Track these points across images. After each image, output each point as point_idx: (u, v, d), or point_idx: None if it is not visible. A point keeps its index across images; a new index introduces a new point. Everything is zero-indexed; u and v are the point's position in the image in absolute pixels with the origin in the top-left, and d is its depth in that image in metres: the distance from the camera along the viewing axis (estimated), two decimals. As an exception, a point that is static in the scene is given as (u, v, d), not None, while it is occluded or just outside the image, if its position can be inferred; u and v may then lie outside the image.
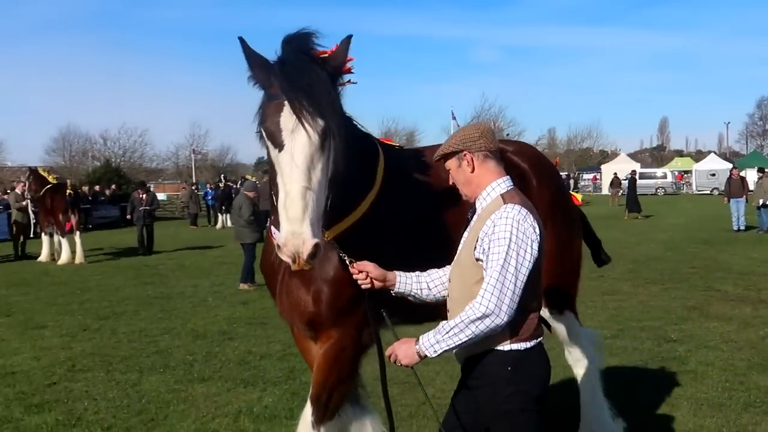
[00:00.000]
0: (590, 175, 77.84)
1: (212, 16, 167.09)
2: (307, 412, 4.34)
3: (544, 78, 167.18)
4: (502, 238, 3.48)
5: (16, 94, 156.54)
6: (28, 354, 9.98)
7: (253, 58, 3.78)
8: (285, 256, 3.50)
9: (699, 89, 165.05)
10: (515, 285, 3.46)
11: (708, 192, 68.08)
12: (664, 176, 74.14)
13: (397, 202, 4.34)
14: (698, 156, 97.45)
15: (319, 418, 4.26)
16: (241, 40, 3.78)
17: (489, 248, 3.50)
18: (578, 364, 5.89)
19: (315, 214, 3.51)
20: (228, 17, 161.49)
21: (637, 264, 17.89)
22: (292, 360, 8.89)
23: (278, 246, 3.52)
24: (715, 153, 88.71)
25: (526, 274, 3.50)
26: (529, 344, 3.64)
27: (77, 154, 74.89)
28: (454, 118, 75.29)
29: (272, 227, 4.17)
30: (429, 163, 4.72)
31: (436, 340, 3.49)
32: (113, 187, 45.24)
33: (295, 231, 3.46)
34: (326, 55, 3.86)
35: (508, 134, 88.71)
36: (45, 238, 22.97)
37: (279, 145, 3.60)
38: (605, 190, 56.59)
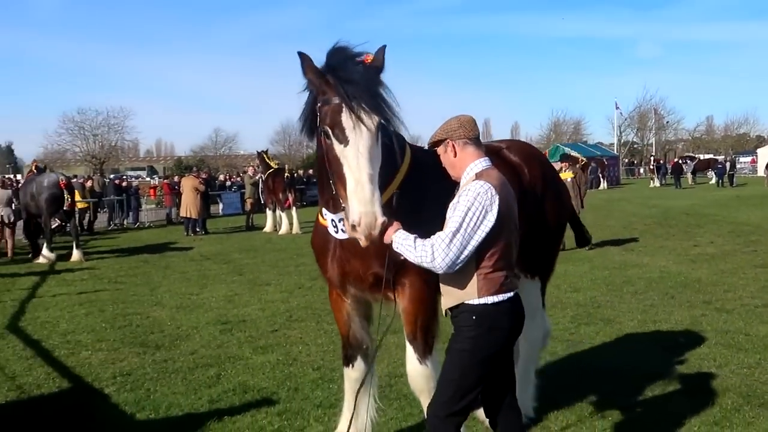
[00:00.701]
0: (747, 159, 72.95)
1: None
2: (410, 352, 4.46)
3: (704, 69, 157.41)
4: (462, 206, 3.66)
5: (246, 95, 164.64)
6: (256, 306, 10.46)
7: (310, 67, 3.90)
8: (359, 233, 3.66)
9: None
10: (463, 246, 3.63)
11: None
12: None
13: (420, 181, 4.40)
14: None
15: (422, 353, 4.40)
16: (301, 54, 3.92)
17: (452, 214, 3.70)
18: (528, 337, 5.52)
19: (379, 197, 3.69)
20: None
21: (790, 240, 16.66)
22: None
23: (352, 225, 3.66)
24: None
25: (478, 239, 3.66)
26: (494, 299, 3.75)
27: (294, 143, 77.64)
28: (617, 108, 72.78)
29: (324, 209, 4.38)
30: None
31: (399, 242, 3.74)
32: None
33: (367, 211, 3.63)
34: (369, 60, 3.92)
35: (667, 122, 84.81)
36: (269, 213, 24.08)
37: (344, 141, 3.74)
38: (761, 172, 53.22)
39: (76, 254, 17.05)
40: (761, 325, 8.36)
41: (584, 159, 52.40)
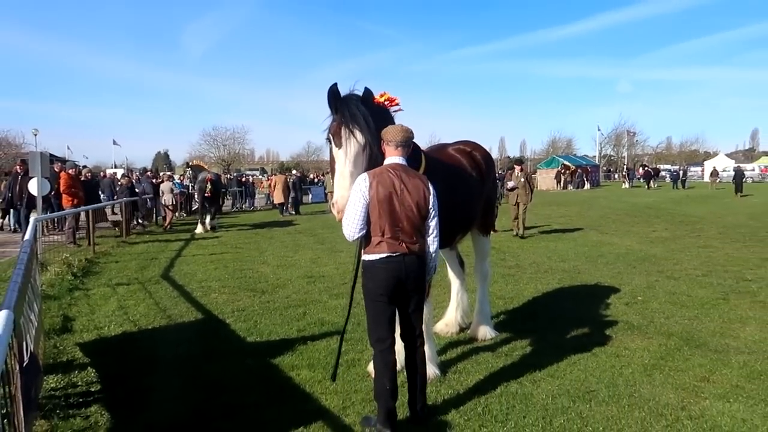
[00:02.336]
0: (697, 168, 70.81)
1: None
2: None
3: (665, 102, 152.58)
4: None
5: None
6: (332, 266, 10.49)
7: (331, 94, 4.10)
8: (335, 210, 3.95)
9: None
10: (352, 218, 3.77)
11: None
12: (753, 169, 66.65)
13: (433, 175, 4.40)
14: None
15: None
16: (330, 87, 4.10)
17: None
18: (479, 276, 6.03)
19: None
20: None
21: (725, 228, 16.01)
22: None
23: (332, 204, 3.98)
24: (793, 154, 78.20)
25: (359, 212, 3.75)
26: (373, 257, 3.78)
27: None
28: (599, 130, 71.28)
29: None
30: (445, 154, 5.44)
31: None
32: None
33: (343, 195, 3.91)
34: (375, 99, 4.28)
35: (637, 140, 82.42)
36: None
37: (339, 145, 4.04)
38: (706, 178, 51.74)
39: (200, 227, 17.41)
40: (700, 289, 8.10)
41: (573, 166, 51.26)
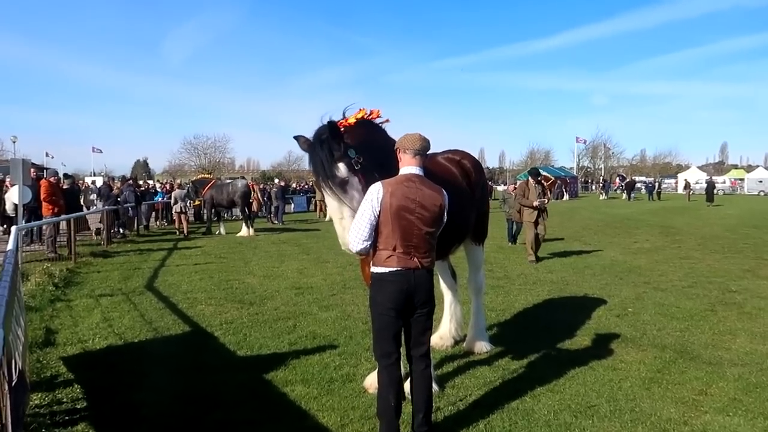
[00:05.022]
0: (671, 180, 72.00)
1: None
2: None
3: (640, 114, 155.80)
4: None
5: (311, 126, 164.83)
6: (320, 277, 10.35)
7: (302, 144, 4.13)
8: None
9: (751, 122, 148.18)
10: (358, 230, 3.61)
11: (756, 194, 61.60)
12: (724, 182, 68.29)
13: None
14: (749, 169, 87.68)
15: None
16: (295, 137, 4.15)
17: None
18: (473, 287, 5.92)
19: (348, 224, 3.84)
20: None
21: (704, 239, 16.22)
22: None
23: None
24: (762, 167, 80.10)
25: (366, 224, 3.60)
26: (383, 270, 3.63)
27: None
28: (579, 140, 72.23)
29: None
30: (435, 163, 5.16)
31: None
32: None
33: (342, 239, 3.90)
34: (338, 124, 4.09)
35: (613, 152, 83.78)
36: None
37: (322, 193, 4.09)
38: (680, 190, 52.72)
39: (245, 229, 18.82)
40: (688, 300, 8.13)
41: (553, 177, 51.71)
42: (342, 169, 3.91)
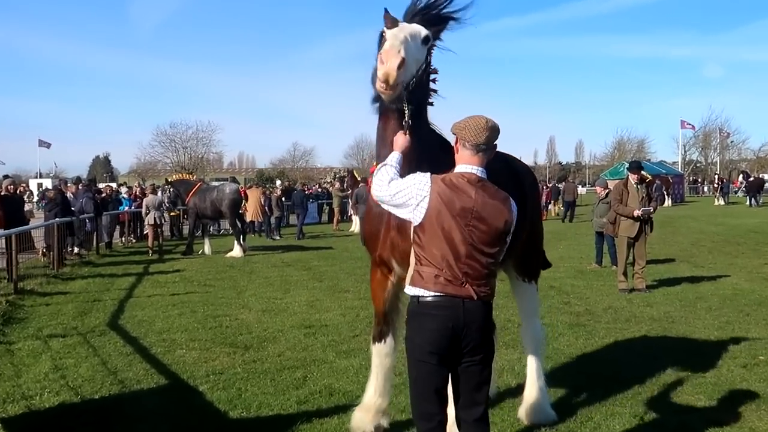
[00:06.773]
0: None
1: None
2: None
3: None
4: (409, 179, 3.78)
5: (324, 111, 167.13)
6: (337, 311, 10.39)
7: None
8: (380, 77, 3.89)
9: None
10: (390, 195, 3.76)
11: None
12: None
13: None
14: None
15: None
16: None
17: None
18: (528, 341, 5.74)
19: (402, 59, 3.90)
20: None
21: None
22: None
23: (382, 73, 3.87)
24: None
25: (396, 182, 3.78)
26: (423, 292, 3.59)
27: (368, 157, 78.32)
28: (689, 125, 70.83)
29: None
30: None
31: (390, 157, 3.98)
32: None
33: (391, 65, 3.85)
34: None
35: (732, 141, 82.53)
36: (356, 219, 25.37)
37: (391, 28, 4.12)
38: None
39: (238, 249, 19.53)
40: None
41: (650, 176, 51.21)
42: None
